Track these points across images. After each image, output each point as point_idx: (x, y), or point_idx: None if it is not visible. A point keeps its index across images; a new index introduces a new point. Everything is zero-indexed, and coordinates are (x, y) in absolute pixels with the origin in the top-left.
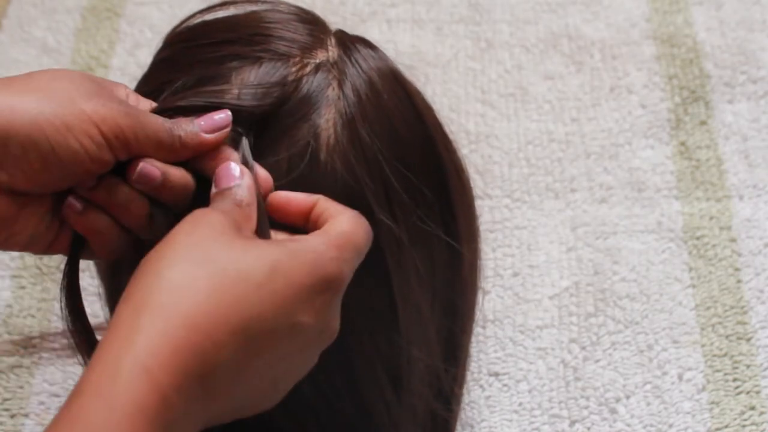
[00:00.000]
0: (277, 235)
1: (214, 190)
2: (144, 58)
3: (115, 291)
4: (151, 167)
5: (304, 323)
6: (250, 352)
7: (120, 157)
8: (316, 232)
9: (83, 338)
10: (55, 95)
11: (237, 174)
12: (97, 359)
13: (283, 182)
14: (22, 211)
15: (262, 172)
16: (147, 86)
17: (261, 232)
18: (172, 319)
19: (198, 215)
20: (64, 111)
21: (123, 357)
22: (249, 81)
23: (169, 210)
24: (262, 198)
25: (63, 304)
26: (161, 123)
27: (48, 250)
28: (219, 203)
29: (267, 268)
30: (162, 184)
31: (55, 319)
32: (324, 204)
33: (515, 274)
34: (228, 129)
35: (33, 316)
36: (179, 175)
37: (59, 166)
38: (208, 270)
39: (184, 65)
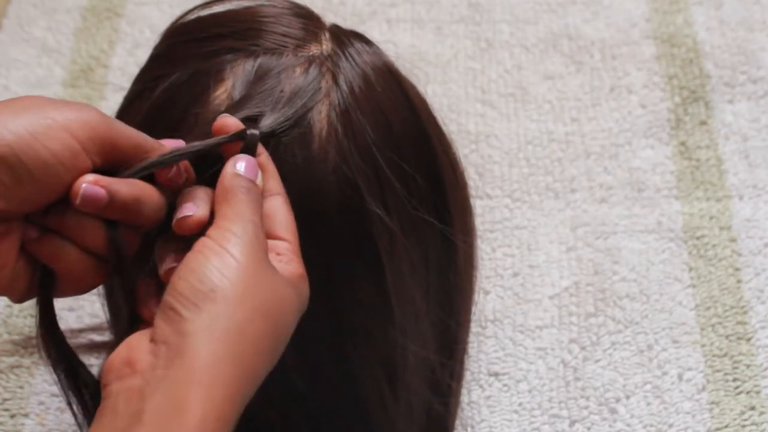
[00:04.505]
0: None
1: (232, 169)
2: (144, 58)
3: (111, 294)
4: (94, 187)
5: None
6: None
7: (97, 162)
8: (286, 258)
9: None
10: (21, 109)
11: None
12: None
13: (279, 174)
14: (2, 240)
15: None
16: (142, 80)
17: None
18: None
19: (259, 259)
20: (31, 121)
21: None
22: (243, 74)
23: (136, 228)
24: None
25: (42, 345)
26: (136, 130)
27: (29, 292)
28: (244, 197)
29: (295, 314)
30: (111, 204)
31: None
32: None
33: (515, 274)
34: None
35: (33, 316)
36: (131, 192)
37: (31, 179)
38: (270, 331)
39: (179, 59)
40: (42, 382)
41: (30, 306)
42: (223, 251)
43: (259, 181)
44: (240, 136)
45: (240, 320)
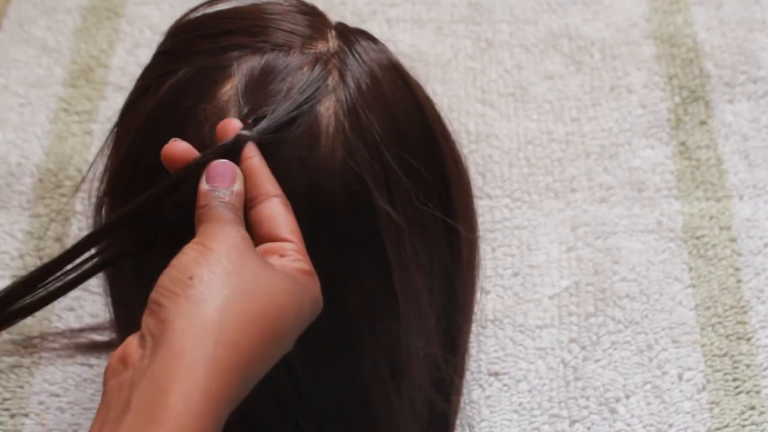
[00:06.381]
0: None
1: (206, 187)
2: (144, 58)
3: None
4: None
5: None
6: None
7: None
8: (291, 257)
9: None
10: None
11: (238, 178)
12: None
13: (286, 170)
14: None
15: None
16: (148, 77)
17: None
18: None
19: (241, 249)
20: None
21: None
22: (250, 71)
23: None
24: None
25: None
26: None
27: None
28: (221, 208)
29: (297, 306)
30: None
31: (55, 319)
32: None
33: (515, 274)
34: None
35: (33, 316)
36: None
37: None
38: (259, 311)
39: (186, 55)
40: (42, 382)
41: None
42: (202, 246)
43: (237, 185)
44: (221, 152)
45: (221, 301)
